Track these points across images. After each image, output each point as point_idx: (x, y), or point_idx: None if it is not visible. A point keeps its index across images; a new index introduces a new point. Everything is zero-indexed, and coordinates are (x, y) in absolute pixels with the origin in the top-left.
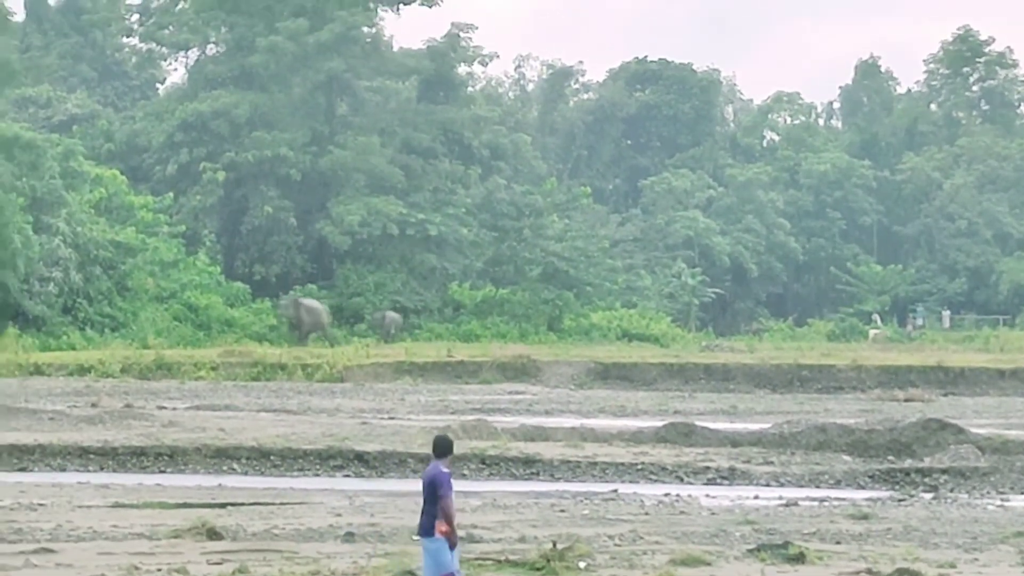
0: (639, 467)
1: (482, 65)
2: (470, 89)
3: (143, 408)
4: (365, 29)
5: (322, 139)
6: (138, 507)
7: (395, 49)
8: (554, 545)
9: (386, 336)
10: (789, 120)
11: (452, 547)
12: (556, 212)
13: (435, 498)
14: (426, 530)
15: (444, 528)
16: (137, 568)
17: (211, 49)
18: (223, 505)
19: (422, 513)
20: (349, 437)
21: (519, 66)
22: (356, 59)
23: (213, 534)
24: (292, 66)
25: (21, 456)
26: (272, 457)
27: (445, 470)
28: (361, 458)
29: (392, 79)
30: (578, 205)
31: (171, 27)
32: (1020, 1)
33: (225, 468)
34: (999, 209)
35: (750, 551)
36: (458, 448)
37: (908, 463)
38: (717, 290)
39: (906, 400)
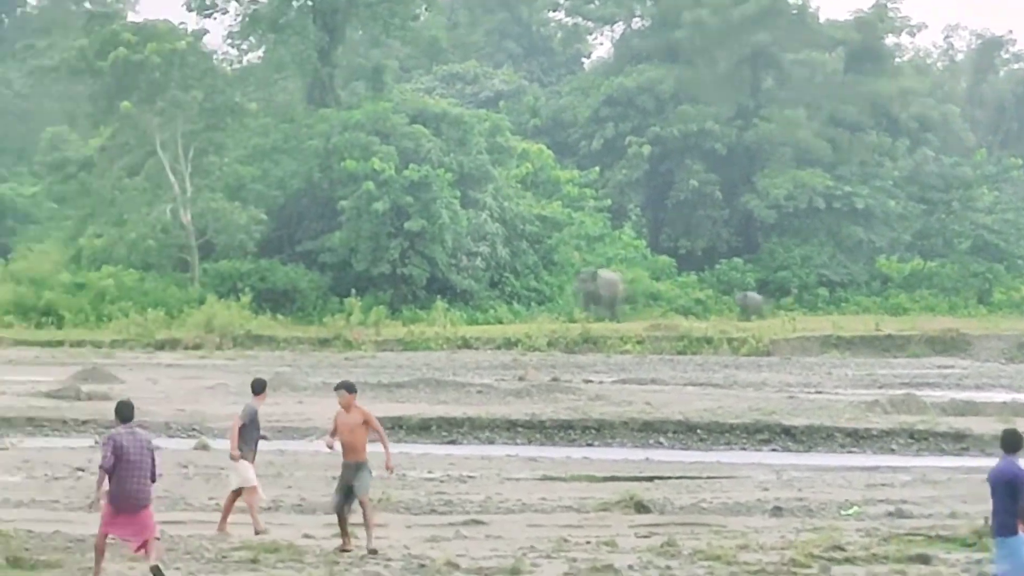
0: None
1: (910, 36)
2: (897, 60)
3: (569, 381)
4: (791, 0)
5: (747, 113)
6: (566, 480)
7: (821, 20)
8: (986, 521)
9: (747, 316)
10: None
11: None
12: (986, 184)
13: (1013, 497)
14: (1004, 530)
15: None
16: (566, 540)
17: (636, 23)
18: (650, 478)
19: (995, 512)
20: (776, 411)
21: (947, 36)
22: (781, 31)
23: (641, 507)
24: (717, 40)
25: (450, 429)
26: (698, 431)
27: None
28: (788, 432)
29: (818, 51)
30: (1008, 177)
31: (596, 1)
32: None
33: (651, 442)
34: None
35: None
36: (885, 423)
37: None
38: None
39: None
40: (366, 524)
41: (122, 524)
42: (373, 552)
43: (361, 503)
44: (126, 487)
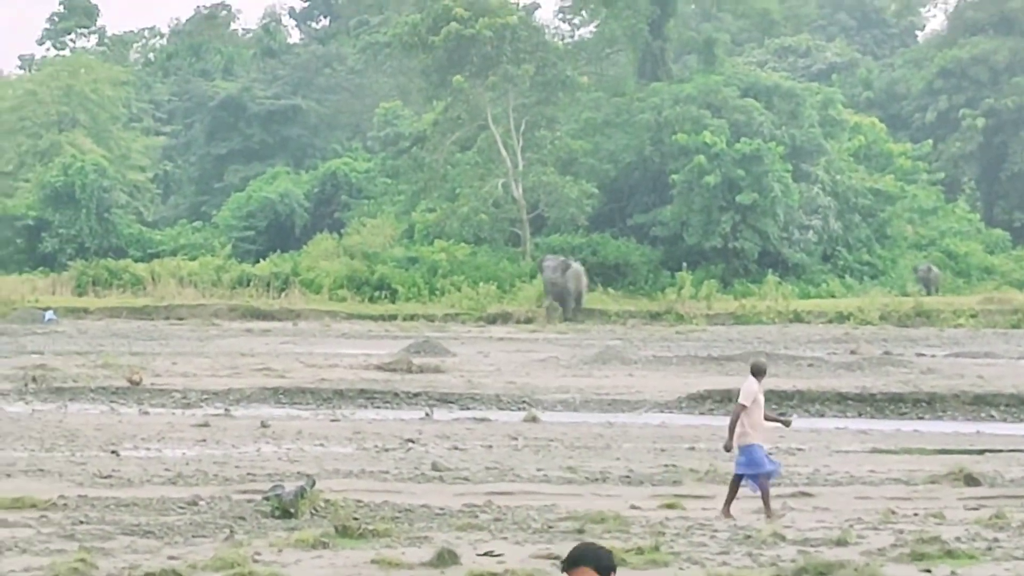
0: None
1: None
2: None
3: (901, 355)
4: None
5: None
6: (895, 453)
7: None
8: None
9: (929, 289)
10: None
11: None
12: None
13: None
14: None
15: None
16: (894, 512)
17: None
18: (981, 451)
19: None
20: None
21: None
22: None
23: (970, 480)
24: None
25: (780, 402)
26: None
27: None
28: None
29: None
30: None
31: None
32: None
33: (983, 415)
34: None
35: None
36: None
37: None
38: None
39: None
40: None
41: None
42: None
43: None
44: None
